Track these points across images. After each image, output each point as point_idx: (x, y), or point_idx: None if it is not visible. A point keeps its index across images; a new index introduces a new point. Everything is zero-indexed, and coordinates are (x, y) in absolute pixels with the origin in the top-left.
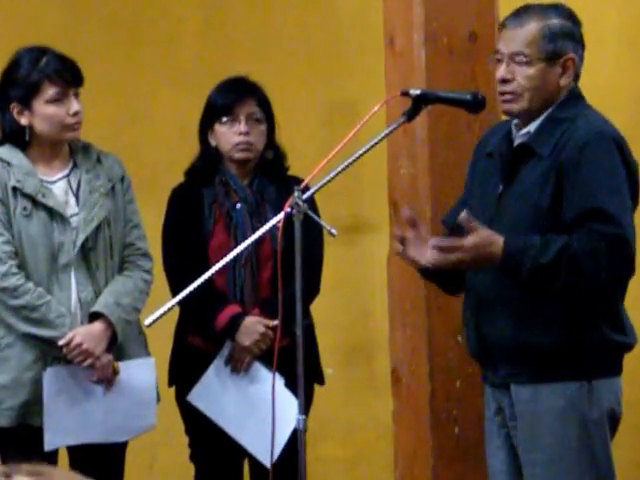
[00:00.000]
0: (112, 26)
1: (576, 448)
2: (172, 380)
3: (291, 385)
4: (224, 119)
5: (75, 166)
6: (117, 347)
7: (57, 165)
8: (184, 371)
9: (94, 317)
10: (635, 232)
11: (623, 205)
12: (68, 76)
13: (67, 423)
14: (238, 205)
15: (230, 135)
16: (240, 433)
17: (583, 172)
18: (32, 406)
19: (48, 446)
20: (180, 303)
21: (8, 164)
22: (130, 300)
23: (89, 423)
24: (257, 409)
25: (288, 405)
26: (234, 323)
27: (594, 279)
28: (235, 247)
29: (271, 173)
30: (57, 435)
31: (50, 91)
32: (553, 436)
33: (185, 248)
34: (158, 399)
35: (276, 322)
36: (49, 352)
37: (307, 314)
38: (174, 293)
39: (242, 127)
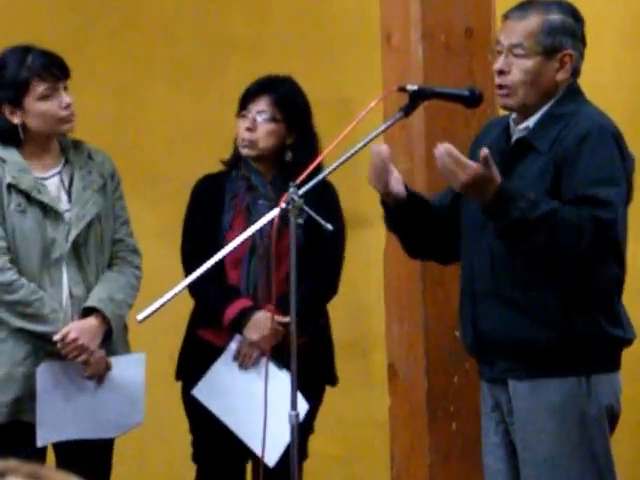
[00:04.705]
0: (109, 22)
1: (575, 444)
2: (179, 374)
3: (302, 386)
4: (241, 113)
5: (67, 162)
6: (106, 342)
7: (49, 162)
8: (192, 365)
9: (87, 312)
10: (626, 225)
11: (618, 196)
12: (56, 71)
13: (59, 419)
14: (260, 201)
15: (241, 130)
16: (243, 430)
17: (581, 163)
18: (24, 402)
19: (40, 442)
20: (193, 295)
21: (3, 161)
22: (123, 296)
23: (80, 419)
24: (262, 406)
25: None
26: (243, 317)
27: (571, 251)
28: (252, 242)
29: (293, 174)
30: (49, 431)
31: (40, 88)
32: (551, 432)
33: (202, 239)
34: None
35: (287, 319)
36: (42, 347)
37: (323, 314)
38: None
39: (247, 123)
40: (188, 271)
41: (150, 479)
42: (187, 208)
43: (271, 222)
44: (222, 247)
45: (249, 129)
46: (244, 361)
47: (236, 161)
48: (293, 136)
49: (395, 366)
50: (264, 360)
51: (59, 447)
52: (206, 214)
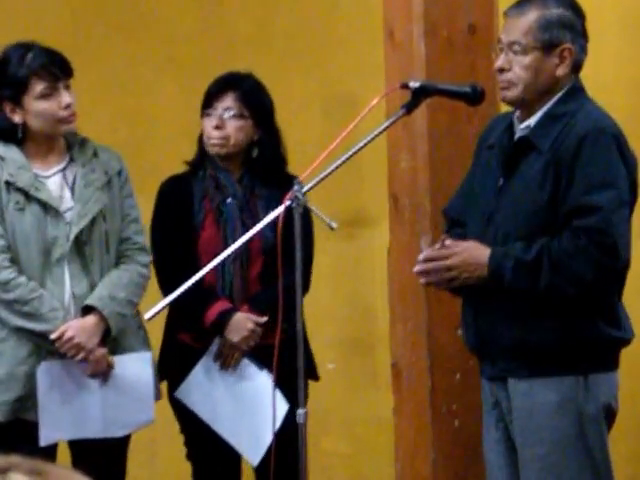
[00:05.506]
0: (112, 21)
1: (573, 443)
2: (162, 377)
3: (281, 382)
4: (206, 112)
5: (71, 160)
6: (113, 341)
7: (53, 160)
8: (174, 368)
9: (87, 310)
10: (629, 227)
11: (615, 199)
12: (55, 69)
13: (62, 418)
14: (229, 200)
15: (208, 129)
16: (227, 431)
17: (579, 168)
18: (26, 401)
19: (44, 441)
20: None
21: (1, 159)
22: (126, 294)
23: (85, 418)
24: (245, 407)
25: (275, 403)
26: (223, 319)
27: (579, 279)
28: (224, 242)
29: (260, 171)
30: (52, 430)
31: (39, 87)
32: (550, 430)
33: (174, 241)
34: (159, 396)
35: (265, 318)
36: (43, 346)
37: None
38: (163, 286)
39: (214, 121)
40: (162, 273)
41: (161, 478)
42: (155, 210)
43: (243, 223)
44: (195, 248)
45: (217, 127)
46: (225, 363)
47: (201, 161)
48: (259, 132)
49: (399, 365)
50: (244, 361)
51: (74, 446)
52: (176, 215)
